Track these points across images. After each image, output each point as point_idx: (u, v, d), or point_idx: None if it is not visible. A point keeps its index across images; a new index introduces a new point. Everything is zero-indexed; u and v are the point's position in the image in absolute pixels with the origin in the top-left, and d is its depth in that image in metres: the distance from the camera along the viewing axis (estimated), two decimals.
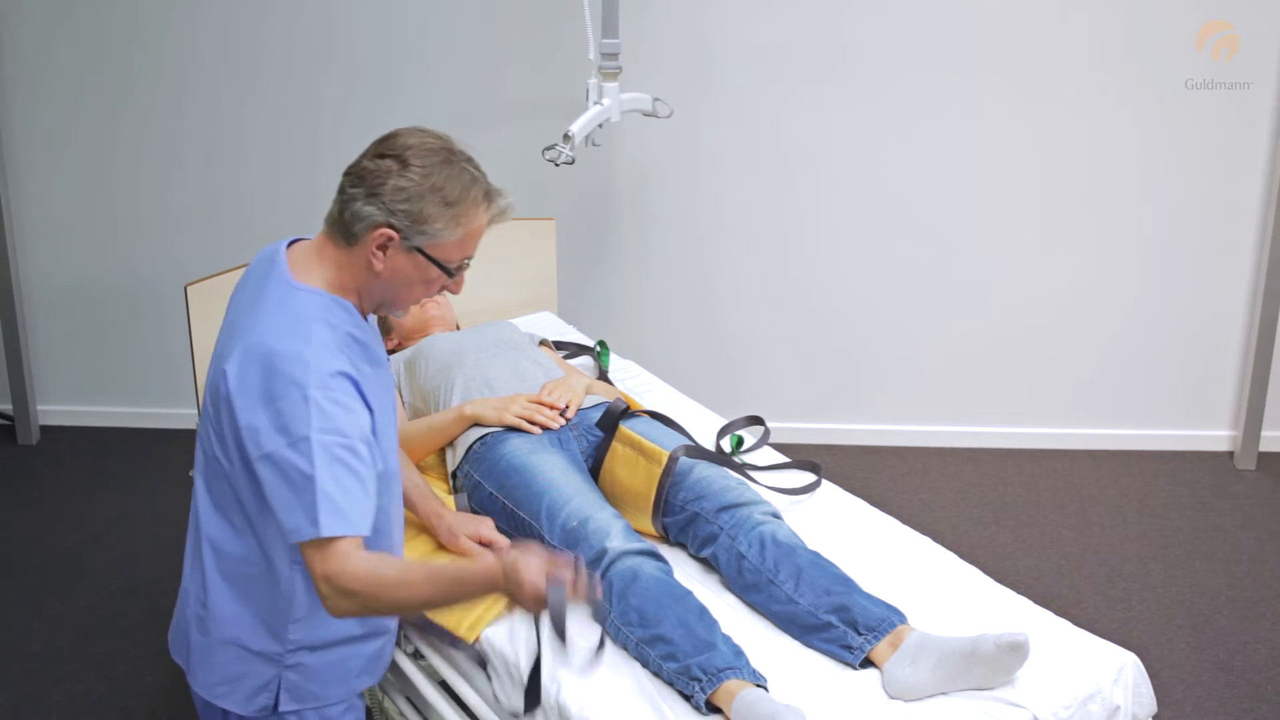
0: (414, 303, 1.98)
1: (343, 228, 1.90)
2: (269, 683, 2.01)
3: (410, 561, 2.04)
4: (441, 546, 2.45)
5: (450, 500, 2.58)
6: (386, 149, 1.90)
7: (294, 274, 1.92)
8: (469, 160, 1.94)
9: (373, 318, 2.07)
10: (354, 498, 1.80)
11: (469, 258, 1.95)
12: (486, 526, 2.44)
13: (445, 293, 1.98)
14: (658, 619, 2.13)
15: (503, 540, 2.41)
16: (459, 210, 1.88)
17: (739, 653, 2.10)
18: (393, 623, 2.15)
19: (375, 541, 1.95)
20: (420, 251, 1.89)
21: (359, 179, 1.89)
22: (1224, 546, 3.72)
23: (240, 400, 1.83)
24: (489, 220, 1.95)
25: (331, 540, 1.78)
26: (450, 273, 1.93)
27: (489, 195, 1.93)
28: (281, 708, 2.02)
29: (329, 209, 1.95)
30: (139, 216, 4.18)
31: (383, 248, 1.88)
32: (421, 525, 2.47)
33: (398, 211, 1.86)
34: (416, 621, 2.26)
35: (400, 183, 1.86)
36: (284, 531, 1.82)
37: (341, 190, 1.91)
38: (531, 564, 1.81)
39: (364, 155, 1.93)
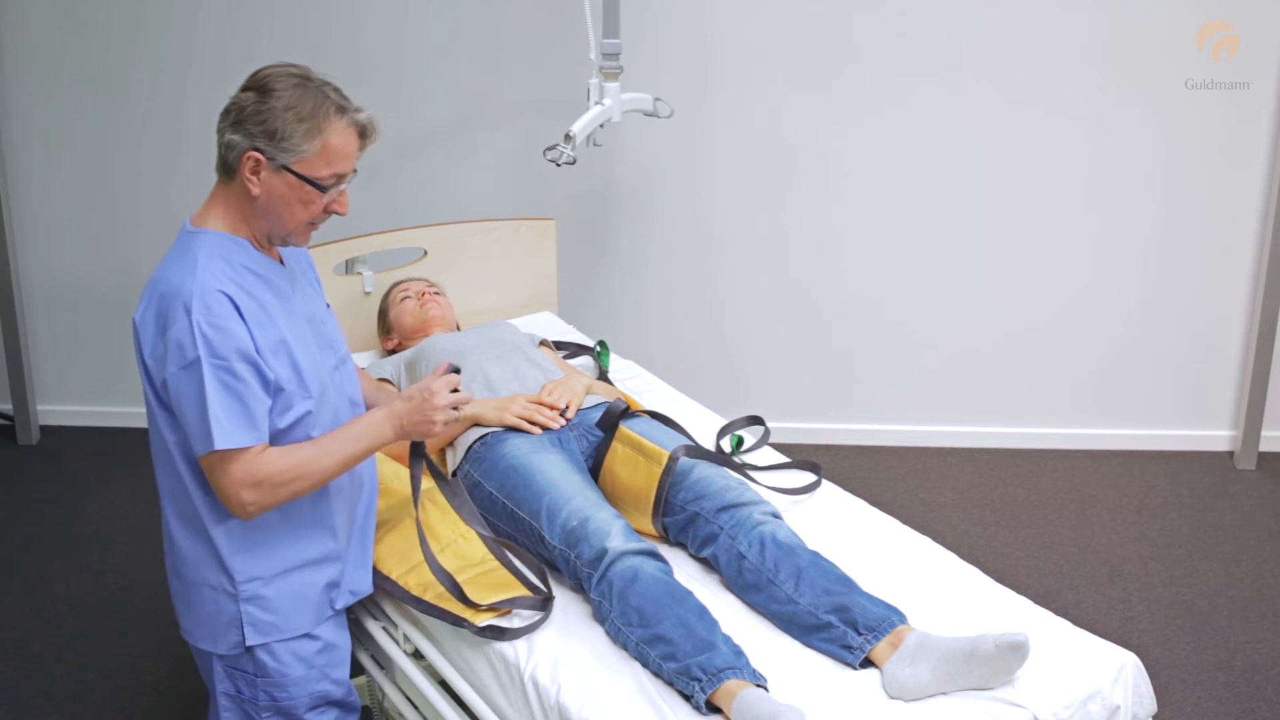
0: (302, 226, 2.11)
1: (221, 162, 2.09)
2: (234, 618, 2.14)
3: (310, 443, 2.13)
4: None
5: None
6: (249, 83, 2.10)
7: (193, 221, 2.11)
8: (326, 83, 2.10)
9: (307, 260, 2.26)
10: (241, 410, 2.00)
11: (340, 175, 2.09)
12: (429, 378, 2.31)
13: (333, 215, 2.12)
14: (658, 619, 2.13)
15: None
16: (313, 124, 2.04)
17: (739, 653, 2.10)
18: (342, 548, 2.25)
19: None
20: (288, 170, 2.05)
21: (226, 114, 2.09)
22: (1224, 546, 3.72)
23: (144, 333, 2.05)
24: (357, 135, 2.11)
25: (227, 452, 1.99)
26: (322, 188, 2.07)
27: (341, 108, 2.09)
28: (249, 642, 2.15)
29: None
30: (139, 216, 4.18)
31: (255, 172, 2.05)
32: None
33: (258, 134, 2.04)
34: (419, 606, 2.30)
35: (259, 107, 2.04)
36: (194, 449, 2.03)
37: (217, 130, 2.09)
38: (426, 388, 2.15)
39: (235, 93, 2.10)
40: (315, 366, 2.14)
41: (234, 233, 2.10)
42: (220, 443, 1.98)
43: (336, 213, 2.12)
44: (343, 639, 2.29)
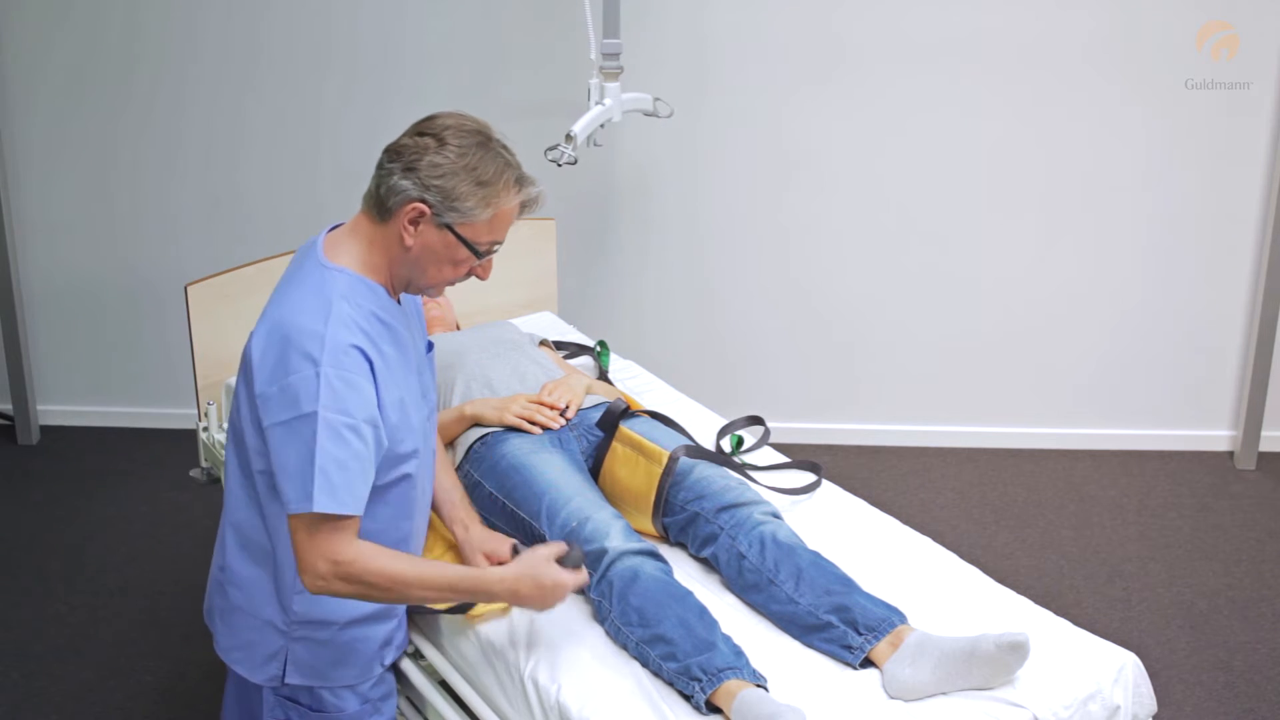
0: (442, 284, 2.03)
1: (378, 202, 1.97)
2: (277, 653, 2.08)
3: (412, 559, 2.04)
4: (453, 547, 2.43)
5: None
6: (426, 128, 1.97)
7: (327, 253, 1.98)
8: (504, 146, 2.00)
9: (417, 304, 2.14)
10: (350, 477, 1.87)
11: (498, 242, 2.01)
12: (504, 542, 2.34)
13: (473, 278, 2.04)
14: (658, 619, 2.13)
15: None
16: (490, 191, 1.95)
17: (739, 653, 2.09)
18: (400, 607, 2.20)
19: (391, 523, 2.03)
20: (450, 229, 1.95)
21: (397, 155, 1.96)
22: (1224, 546, 3.72)
23: (260, 370, 1.92)
24: (519, 207, 2.02)
25: (322, 517, 1.85)
26: (479, 254, 1.99)
27: (520, 180, 2.00)
28: (288, 680, 2.09)
29: (367, 187, 2.01)
30: (139, 216, 4.18)
31: (414, 222, 1.95)
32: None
33: (431, 187, 1.93)
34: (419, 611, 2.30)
35: (436, 159, 1.93)
36: (284, 501, 1.89)
37: (380, 165, 1.98)
38: (561, 584, 2.01)
39: (404, 134, 1.99)
40: (421, 423, 2.07)
41: (370, 274, 1.98)
42: (321, 505, 1.83)
43: (478, 276, 2.04)
44: (391, 678, 2.24)
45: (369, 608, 2.10)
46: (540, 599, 2.02)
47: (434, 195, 1.92)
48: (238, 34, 3.99)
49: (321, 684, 2.11)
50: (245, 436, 1.99)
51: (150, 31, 4.00)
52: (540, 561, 2.02)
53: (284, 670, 2.08)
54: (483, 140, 1.96)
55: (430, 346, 2.20)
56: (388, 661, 2.20)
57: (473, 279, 2.05)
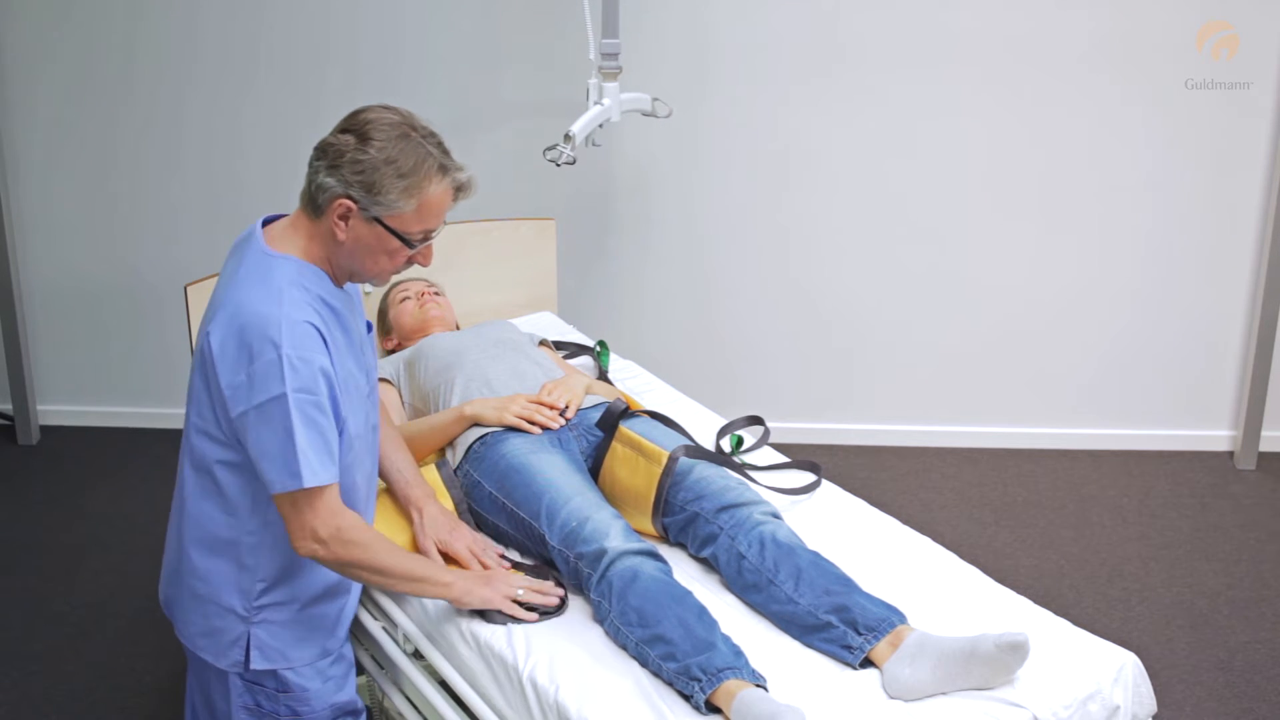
0: (384, 273, 2.10)
1: (310, 199, 2.04)
2: (239, 638, 2.13)
3: (386, 538, 2.17)
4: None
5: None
6: (350, 124, 2.03)
7: (270, 245, 2.06)
8: (428, 136, 2.04)
9: (356, 291, 2.21)
10: (326, 448, 1.98)
11: (431, 230, 2.06)
12: (458, 538, 2.40)
13: (415, 265, 2.10)
14: (657, 619, 2.13)
15: (466, 556, 2.39)
16: (412, 182, 1.99)
17: (738, 653, 2.10)
18: (356, 584, 2.26)
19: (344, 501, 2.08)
20: (379, 222, 2.01)
21: (323, 153, 2.02)
22: (1224, 546, 3.72)
23: (222, 362, 1.97)
24: (452, 194, 2.05)
25: (311, 490, 1.97)
26: (410, 243, 2.04)
27: (444, 168, 2.03)
28: (253, 666, 2.14)
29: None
30: (139, 216, 4.18)
31: (344, 218, 2.02)
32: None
33: (354, 183, 1.99)
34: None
35: (358, 156, 1.98)
36: (266, 483, 1.97)
37: (310, 163, 2.04)
38: (483, 594, 2.23)
39: (332, 130, 2.05)
40: (361, 400, 2.13)
41: (312, 262, 2.06)
42: (309, 480, 1.95)
43: (419, 264, 2.10)
44: (349, 649, 2.29)
45: (326, 585, 2.17)
46: (485, 581, 2.25)
47: (358, 190, 1.98)
48: (238, 34, 3.99)
49: (284, 665, 2.15)
50: (205, 429, 2.04)
51: (150, 31, 4.00)
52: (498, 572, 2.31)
53: (246, 654, 2.13)
54: (404, 132, 2.01)
55: (370, 328, 2.27)
56: (341, 632, 2.24)
57: (416, 265, 2.12)
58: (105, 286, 4.25)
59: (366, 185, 1.98)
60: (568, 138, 3.36)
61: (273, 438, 1.94)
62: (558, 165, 3.38)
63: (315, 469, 1.96)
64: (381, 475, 2.43)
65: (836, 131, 4.01)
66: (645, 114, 3.64)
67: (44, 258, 4.23)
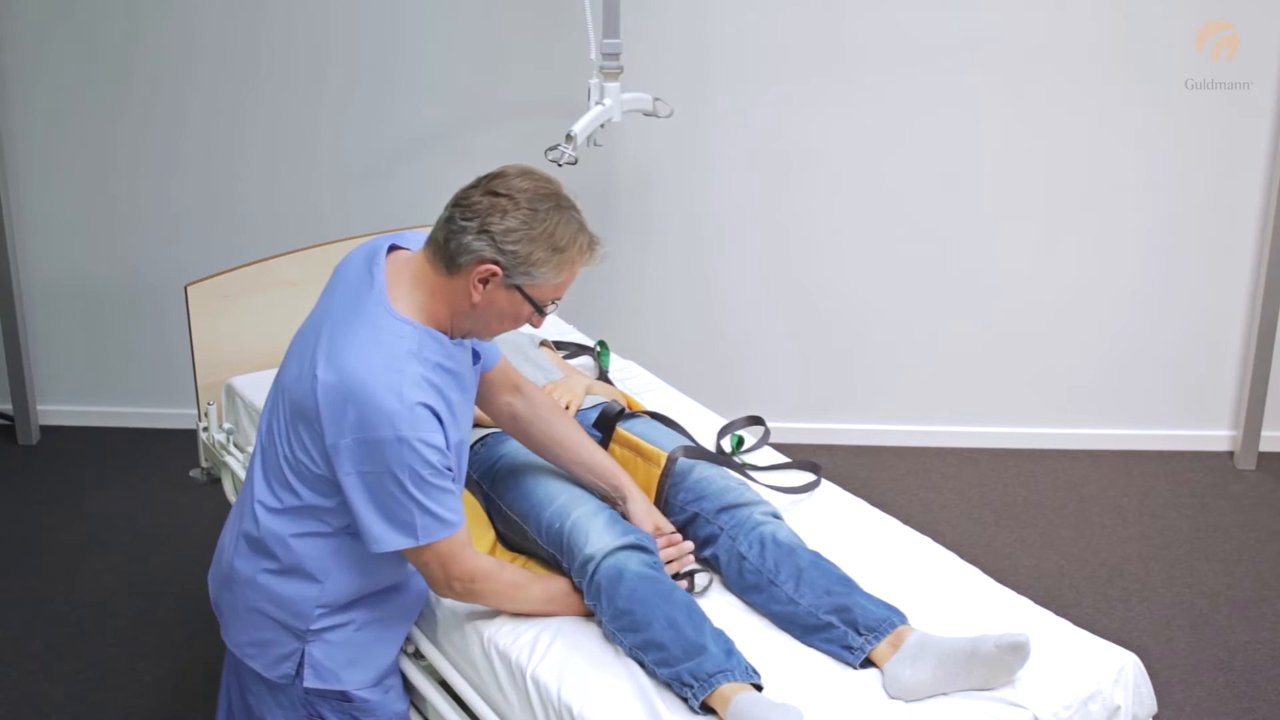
0: (500, 333, 2.07)
1: (446, 256, 1.97)
2: (292, 653, 2.10)
3: (517, 568, 2.22)
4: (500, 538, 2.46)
5: None
6: (499, 187, 1.96)
7: (390, 295, 1.99)
8: (574, 208, 2.00)
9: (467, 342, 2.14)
10: (446, 505, 1.99)
11: (560, 298, 2.03)
12: (664, 521, 2.40)
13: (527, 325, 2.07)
14: (647, 622, 2.12)
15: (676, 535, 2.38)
16: (565, 256, 1.96)
17: (730, 651, 2.08)
18: (412, 610, 2.25)
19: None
20: (519, 290, 1.97)
21: (468, 210, 1.95)
22: (1224, 546, 3.72)
23: (330, 421, 1.93)
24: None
25: (439, 541, 1.99)
26: (543, 311, 2.01)
27: (592, 244, 2.01)
28: (307, 684, 2.11)
29: (432, 232, 2.00)
30: (139, 216, 4.18)
31: (484, 281, 1.96)
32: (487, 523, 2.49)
33: (506, 250, 1.93)
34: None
35: (512, 223, 1.92)
36: (366, 539, 1.96)
37: (451, 220, 1.96)
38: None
39: (474, 188, 1.98)
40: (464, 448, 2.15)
41: (433, 323, 2.01)
42: (446, 533, 1.99)
43: (532, 325, 2.07)
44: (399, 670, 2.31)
45: (384, 610, 2.16)
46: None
47: (508, 259, 1.93)
48: (238, 34, 3.99)
49: (337, 687, 2.13)
50: (301, 468, 2.01)
51: (150, 31, 4.00)
52: None
53: (298, 670, 2.10)
54: (557, 203, 1.97)
55: (477, 358, 2.20)
56: (393, 658, 2.23)
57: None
58: (105, 286, 4.25)
59: (519, 256, 1.93)
60: (569, 138, 3.36)
61: (386, 504, 1.95)
62: (559, 165, 3.38)
63: (449, 521, 1.99)
64: (569, 456, 2.38)
65: (837, 131, 4.01)
66: (646, 114, 3.64)
67: (44, 258, 4.23)
